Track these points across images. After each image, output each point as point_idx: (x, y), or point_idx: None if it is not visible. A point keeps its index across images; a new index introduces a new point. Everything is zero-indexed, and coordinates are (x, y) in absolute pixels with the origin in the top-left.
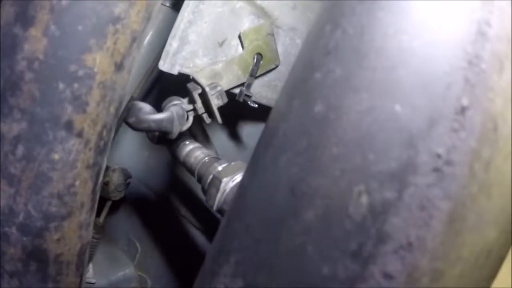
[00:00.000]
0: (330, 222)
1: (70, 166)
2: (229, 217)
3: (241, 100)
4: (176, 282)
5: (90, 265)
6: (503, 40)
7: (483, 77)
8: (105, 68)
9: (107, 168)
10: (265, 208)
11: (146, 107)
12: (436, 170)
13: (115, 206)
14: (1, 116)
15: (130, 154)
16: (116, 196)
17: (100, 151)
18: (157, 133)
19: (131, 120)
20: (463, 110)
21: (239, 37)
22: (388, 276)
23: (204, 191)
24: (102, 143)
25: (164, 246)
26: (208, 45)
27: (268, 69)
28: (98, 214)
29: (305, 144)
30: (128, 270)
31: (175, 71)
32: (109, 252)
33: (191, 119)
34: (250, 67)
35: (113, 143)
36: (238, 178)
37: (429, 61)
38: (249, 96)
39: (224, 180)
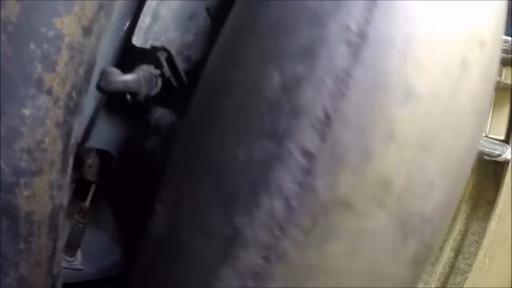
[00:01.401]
0: (246, 107)
1: (40, 121)
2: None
3: None
4: None
5: (78, 252)
6: None
7: None
8: (73, 31)
9: (90, 150)
10: (194, 114)
11: (114, 70)
12: (349, 42)
13: (101, 191)
14: None
15: (113, 136)
16: (100, 179)
17: (70, 111)
18: (129, 103)
19: (101, 83)
20: None
21: (207, 10)
22: (307, 153)
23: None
24: (71, 103)
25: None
26: (179, 19)
27: None
28: (83, 199)
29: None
30: (116, 256)
31: (148, 45)
32: (97, 238)
33: (159, 83)
34: None
35: (95, 126)
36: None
37: None
38: None
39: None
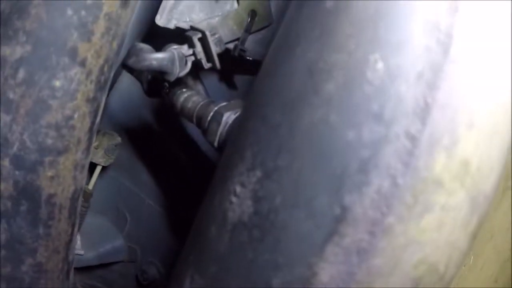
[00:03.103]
0: (350, 89)
1: (71, 95)
2: (239, 124)
3: (236, 54)
4: (167, 254)
5: (78, 237)
6: None
7: None
8: (111, 1)
9: (97, 131)
10: (282, 95)
11: (146, 46)
12: (438, 40)
13: (103, 174)
14: (4, 39)
15: (119, 118)
16: (106, 161)
17: (101, 86)
18: (150, 83)
19: (131, 60)
20: None
21: None
22: (411, 136)
23: (205, 131)
24: (103, 78)
25: (155, 216)
26: (205, 0)
27: (261, 26)
28: (87, 181)
29: (318, 32)
30: (117, 242)
31: (171, 25)
32: (97, 223)
33: (189, 64)
34: (245, 23)
35: (106, 107)
36: (240, 112)
37: None
38: (243, 51)
39: (226, 113)
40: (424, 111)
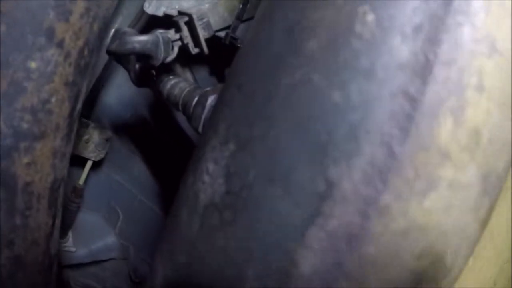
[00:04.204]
0: (336, 46)
1: (47, 78)
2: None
3: (227, 42)
4: None
5: (70, 233)
6: None
7: None
8: None
9: (88, 125)
10: (259, 61)
11: (130, 30)
12: None
13: (95, 170)
14: None
15: (112, 113)
16: (97, 156)
17: (81, 70)
18: (138, 71)
19: (114, 44)
20: None
21: None
22: (410, 97)
23: (189, 117)
24: (83, 62)
25: (148, 213)
26: None
27: (254, 14)
28: (78, 176)
29: None
30: (109, 239)
31: (160, 13)
32: (89, 219)
33: (176, 49)
34: (237, 10)
35: (94, 100)
36: None
37: None
38: (235, 39)
39: (211, 97)
40: (424, 68)
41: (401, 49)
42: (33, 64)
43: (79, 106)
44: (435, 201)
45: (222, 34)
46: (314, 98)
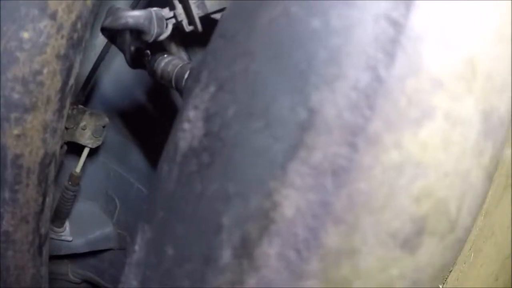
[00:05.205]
0: None
1: (39, 48)
2: None
3: None
4: None
5: (67, 223)
6: None
7: None
8: None
9: (84, 111)
10: (242, 6)
11: (123, 7)
12: None
13: (92, 159)
14: None
15: (109, 100)
16: (93, 143)
17: (73, 44)
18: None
19: (108, 20)
20: None
21: None
22: (393, 21)
23: (182, 91)
24: (76, 35)
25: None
26: None
27: None
28: (75, 164)
29: None
30: (107, 229)
31: None
32: (86, 209)
33: (170, 27)
34: None
35: (91, 87)
36: None
37: None
38: None
39: None
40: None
41: None
42: (25, 34)
43: (71, 81)
44: (432, 133)
45: (218, 16)
46: (293, 28)
